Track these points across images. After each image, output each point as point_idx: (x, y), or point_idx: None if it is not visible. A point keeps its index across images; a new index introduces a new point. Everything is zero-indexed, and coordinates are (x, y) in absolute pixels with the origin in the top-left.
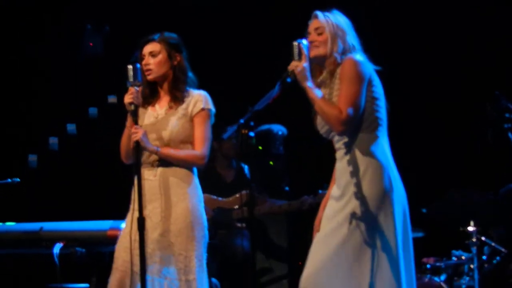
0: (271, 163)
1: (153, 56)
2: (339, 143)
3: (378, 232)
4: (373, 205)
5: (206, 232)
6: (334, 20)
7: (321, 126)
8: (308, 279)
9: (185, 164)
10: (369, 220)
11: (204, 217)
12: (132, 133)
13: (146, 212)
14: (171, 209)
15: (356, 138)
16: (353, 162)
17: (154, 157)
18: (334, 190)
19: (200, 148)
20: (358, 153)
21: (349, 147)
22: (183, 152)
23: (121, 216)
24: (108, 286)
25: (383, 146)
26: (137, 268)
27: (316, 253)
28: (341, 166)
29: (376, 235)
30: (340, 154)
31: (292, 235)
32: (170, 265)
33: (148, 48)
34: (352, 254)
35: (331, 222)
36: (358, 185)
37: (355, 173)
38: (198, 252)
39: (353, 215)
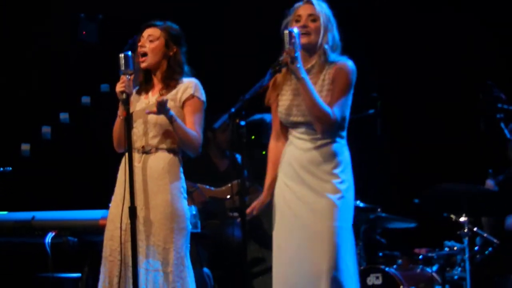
0: (263, 152)
1: (151, 41)
2: (306, 135)
3: (347, 225)
4: (349, 199)
5: (188, 223)
6: (326, 10)
7: (289, 113)
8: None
9: (188, 143)
10: (344, 215)
11: (186, 209)
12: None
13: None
14: (150, 198)
15: (330, 136)
16: (326, 158)
17: (140, 143)
18: (286, 180)
19: (198, 134)
20: (332, 151)
21: (321, 143)
22: (191, 131)
23: None
24: (100, 276)
25: (347, 147)
26: (124, 257)
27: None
28: (307, 158)
29: (346, 228)
30: (305, 145)
31: None
32: (151, 256)
33: (147, 32)
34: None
35: (305, 221)
36: (333, 182)
37: (328, 168)
38: (177, 245)
39: (329, 211)
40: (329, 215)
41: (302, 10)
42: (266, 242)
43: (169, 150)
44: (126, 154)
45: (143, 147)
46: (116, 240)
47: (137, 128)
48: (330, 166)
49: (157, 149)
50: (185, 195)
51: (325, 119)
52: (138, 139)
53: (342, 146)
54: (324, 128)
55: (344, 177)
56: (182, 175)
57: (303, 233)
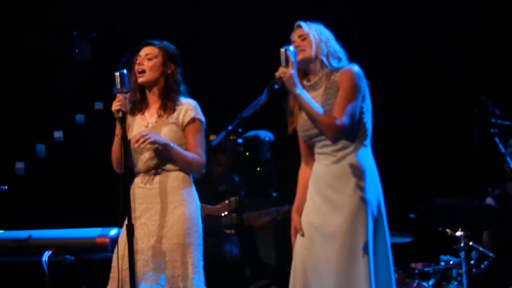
0: (258, 169)
1: (149, 59)
2: (326, 149)
3: (376, 241)
4: (372, 215)
5: (201, 239)
6: (316, 27)
7: (305, 128)
8: None
9: (189, 167)
10: (369, 230)
11: (200, 225)
12: (144, 137)
13: (143, 220)
14: (168, 216)
15: (350, 146)
16: (348, 171)
17: (149, 164)
18: (314, 198)
19: (200, 157)
20: (353, 162)
21: (342, 155)
22: (190, 155)
23: (110, 223)
24: None
25: (372, 156)
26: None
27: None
28: (329, 173)
29: (375, 244)
30: (327, 159)
31: (279, 242)
32: (167, 272)
33: (145, 51)
34: (352, 266)
35: (330, 238)
36: (355, 195)
37: (351, 181)
38: (194, 259)
39: (353, 227)
40: (352, 232)
41: (294, 35)
42: (261, 259)
43: (179, 169)
44: (136, 174)
45: (152, 169)
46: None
47: (142, 153)
48: (353, 179)
49: (166, 170)
50: (200, 211)
51: (331, 128)
52: (143, 163)
53: (365, 155)
54: (333, 136)
55: (368, 188)
56: (195, 191)
57: (329, 251)
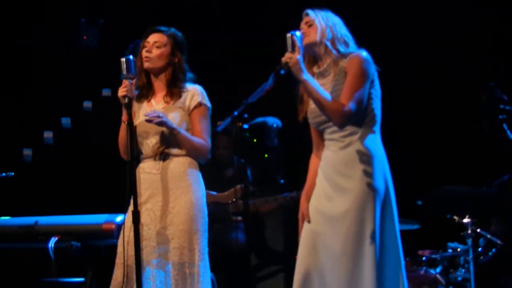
0: (266, 155)
1: (158, 47)
2: (335, 135)
3: (383, 226)
4: (379, 200)
5: (207, 225)
6: (324, 13)
7: (314, 115)
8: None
9: (195, 152)
10: (377, 215)
11: (206, 211)
12: (153, 117)
13: (149, 206)
14: (174, 202)
15: (358, 132)
16: (355, 156)
17: (156, 150)
18: (324, 183)
19: (206, 142)
20: (361, 147)
21: (349, 141)
22: (196, 140)
23: (116, 210)
24: (112, 280)
25: (380, 142)
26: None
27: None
28: (337, 159)
29: (382, 229)
30: (335, 145)
31: (287, 229)
32: (173, 259)
33: (154, 37)
34: (357, 251)
35: (336, 223)
36: (362, 180)
37: (358, 167)
38: (201, 246)
39: (360, 212)
40: (359, 217)
41: (302, 23)
42: (269, 246)
43: (186, 155)
44: (142, 160)
45: (160, 154)
46: (130, 245)
47: (149, 138)
48: (360, 165)
49: (173, 155)
50: (205, 198)
51: (337, 114)
52: (150, 149)
53: (373, 141)
54: (340, 122)
55: (376, 174)
56: (201, 178)
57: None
